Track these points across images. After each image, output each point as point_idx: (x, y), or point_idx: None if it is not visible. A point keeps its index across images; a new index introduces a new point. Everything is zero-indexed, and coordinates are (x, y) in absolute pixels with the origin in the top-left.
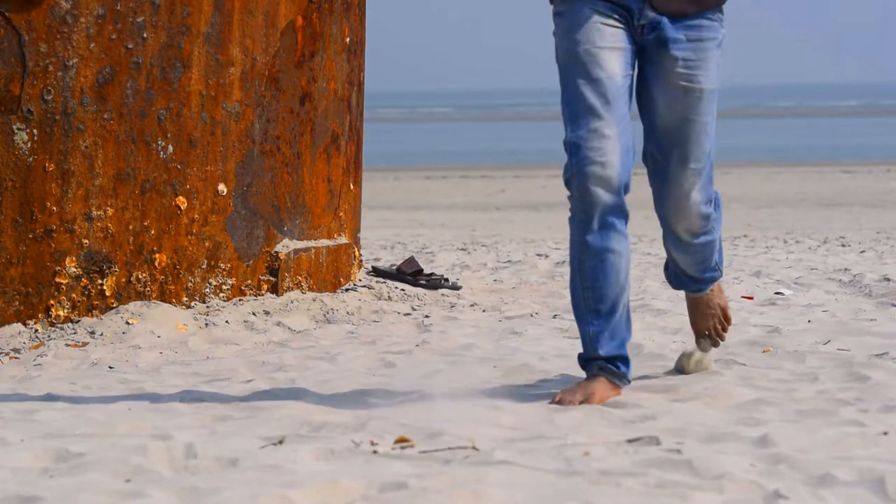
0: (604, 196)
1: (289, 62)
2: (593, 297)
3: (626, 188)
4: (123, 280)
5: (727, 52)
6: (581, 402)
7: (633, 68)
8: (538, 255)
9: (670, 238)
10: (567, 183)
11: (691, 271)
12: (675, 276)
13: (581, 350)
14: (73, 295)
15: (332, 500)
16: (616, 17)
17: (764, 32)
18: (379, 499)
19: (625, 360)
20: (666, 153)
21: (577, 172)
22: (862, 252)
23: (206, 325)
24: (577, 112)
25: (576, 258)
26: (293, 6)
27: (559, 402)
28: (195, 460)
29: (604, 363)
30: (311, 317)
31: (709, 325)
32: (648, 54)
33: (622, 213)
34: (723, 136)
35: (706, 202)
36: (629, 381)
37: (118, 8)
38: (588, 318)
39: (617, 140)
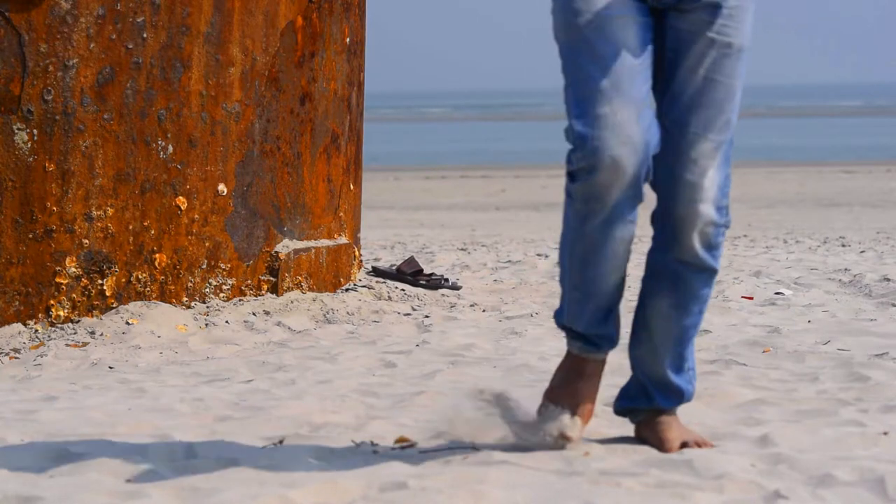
0: (613, 193)
1: (289, 62)
2: (582, 278)
3: (648, 175)
4: (123, 280)
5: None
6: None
7: (650, 42)
8: (538, 255)
9: (669, 263)
10: (571, 175)
11: (667, 360)
12: (637, 382)
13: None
14: (73, 295)
15: (332, 500)
16: None
17: (764, 32)
18: (379, 499)
19: (611, 339)
20: (682, 123)
21: (584, 168)
22: (862, 252)
23: (206, 325)
24: (582, 96)
25: (568, 241)
26: (293, 6)
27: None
28: (195, 460)
29: (585, 337)
30: (311, 317)
31: (687, 438)
32: (671, 13)
33: (634, 201)
34: None
35: (723, 187)
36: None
37: (118, 8)
38: (574, 294)
39: (635, 123)
